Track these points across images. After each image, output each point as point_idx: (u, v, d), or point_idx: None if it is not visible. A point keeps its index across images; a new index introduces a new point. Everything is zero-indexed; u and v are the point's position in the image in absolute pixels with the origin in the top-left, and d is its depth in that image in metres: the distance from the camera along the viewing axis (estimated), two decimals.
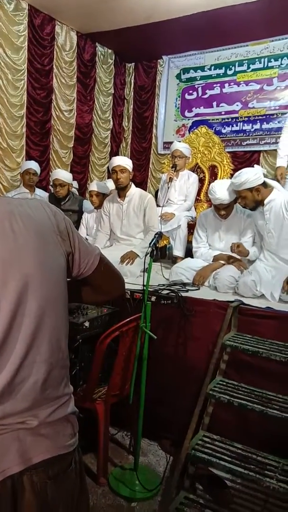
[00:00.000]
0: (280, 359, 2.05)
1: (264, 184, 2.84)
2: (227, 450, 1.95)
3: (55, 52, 5.78)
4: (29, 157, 5.41)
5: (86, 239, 3.96)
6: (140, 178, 6.85)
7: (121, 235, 3.64)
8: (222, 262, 3.06)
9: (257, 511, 1.95)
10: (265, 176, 3.04)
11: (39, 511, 0.89)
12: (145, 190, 6.21)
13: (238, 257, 3.05)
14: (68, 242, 0.98)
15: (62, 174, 4.21)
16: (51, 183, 4.23)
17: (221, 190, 3.00)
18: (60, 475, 0.92)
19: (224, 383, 2.20)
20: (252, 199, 2.87)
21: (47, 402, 0.91)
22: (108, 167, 4.25)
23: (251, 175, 2.80)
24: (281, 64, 5.42)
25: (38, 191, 4.53)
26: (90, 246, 1.07)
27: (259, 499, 1.99)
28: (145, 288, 2.25)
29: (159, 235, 2.48)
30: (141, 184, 6.63)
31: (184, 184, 4.19)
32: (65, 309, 0.97)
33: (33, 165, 4.38)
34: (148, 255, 2.31)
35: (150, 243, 2.33)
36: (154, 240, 2.37)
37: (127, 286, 2.83)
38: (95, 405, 2.19)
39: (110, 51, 6.70)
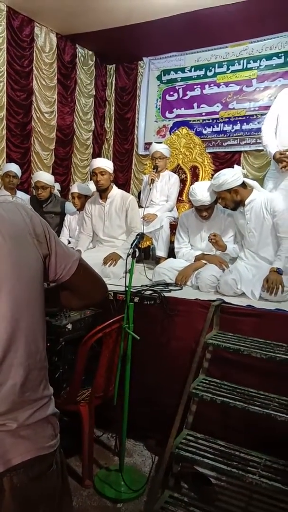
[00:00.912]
0: (261, 356, 2.08)
1: (244, 185, 2.88)
2: (211, 448, 1.97)
3: (34, 53, 5.75)
4: (9, 159, 5.37)
5: (69, 241, 4.00)
6: (123, 179, 6.86)
7: (104, 236, 3.64)
8: (204, 261, 3.09)
9: (241, 507, 1.98)
10: (245, 176, 3.08)
11: None
12: (128, 191, 6.23)
13: (216, 252, 3.09)
14: (46, 245, 0.98)
15: (44, 176, 4.18)
16: (33, 185, 4.20)
17: (201, 191, 3.03)
18: (40, 476, 0.92)
19: (207, 381, 2.22)
20: (231, 200, 2.91)
21: (26, 405, 0.91)
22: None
23: (229, 177, 2.83)
24: (260, 65, 5.50)
25: (20, 194, 4.49)
26: (68, 251, 1.05)
27: (243, 495, 2.02)
28: (127, 289, 2.25)
29: (141, 236, 2.48)
30: (124, 185, 6.65)
31: (166, 185, 4.21)
32: (41, 311, 0.97)
33: (13, 168, 4.34)
34: (130, 256, 2.32)
35: (131, 244, 2.33)
36: (135, 241, 2.38)
37: (110, 287, 2.84)
38: (79, 407, 2.19)
39: (90, 52, 6.70)
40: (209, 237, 3.01)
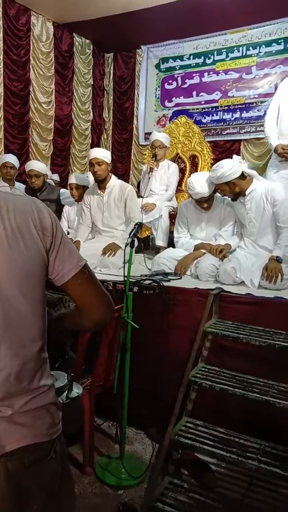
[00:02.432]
0: (260, 344, 2.08)
1: (243, 176, 2.86)
2: (210, 435, 1.99)
3: (31, 43, 5.69)
4: (7, 150, 5.34)
5: (68, 232, 4.00)
6: (122, 169, 6.83)
7: (103, 227, 3.63)
8: (203, 251, 3.08)
9: (241, 493, 1.99)
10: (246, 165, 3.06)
11: (12, 498, 0.89)
12: (127, 181, 6.20)
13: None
14: (50, 239, 0.95)
15: (37, 165, 4.18)
16: (27, 175, 4.19)
17: (199, 184, 3.00)
18: (37, 464, 0.92)
19: (206, 369, 2.23)
20: (230, 192, 2.89)
21: (22, 393, 0.91)
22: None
23: (227, 169, 2.80)
24: (259, 52, 5.43)
25: (18, 185, 4.47)
26: (74, 254, 0.99)
27: (242, 481, 2.04)
28: (126, 278, 2.26)
29: (139, 225, 2.48)
30: (123, 175, 6.61)
31: (165, 174, 4.19)
32: (39, 302, 0.95)
33: (11, 159, 4.32)
34: (128, 245, 2.31)
35: (130, 234, 2.33)
36: (134, 231, 2.37)
37: (109, 277, 2.85)
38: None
39: (88, 41, 6.62)
40: (212, 250, 2.99)
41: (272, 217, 2.85)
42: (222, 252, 2.93)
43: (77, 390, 1.84)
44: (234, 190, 2.87)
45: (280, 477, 1.73)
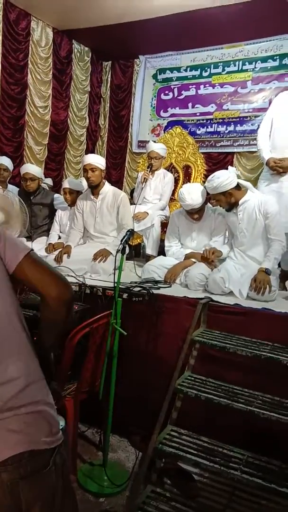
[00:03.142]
0: (246, 354, 2.10)
1: (238, 186, 2.90)
2: (194, 444, 1.99)
3: (30, 47, 5.72)
4: (2, 152, 5.32)
5: (59, 236, 3.99)
6: (116, 176, 6.85)
7: (95, 232, 3.64)
8: (193, 260, 3.11)
9: (223, 503, 1.99)
10: (238, 177, 3.11)
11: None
12: (121, 188, 6.22)
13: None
14: None
15: (32, 168, 4.18)
16: (21, 177, 4.19)
17: (190, 195, 3.02)
18: (34, 474, 0.87)
19: (193, 378, 2.24)
20: (225, 202, 2.93)
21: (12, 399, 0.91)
22: None
23: (224, 179, 2.84)
24: (255, 67, 5.53)
25: (10, 187, 4.46)
26: (18, 242, 1.09)
27: (225, 491, 2.04)
28: (116, 285, 2.26)
29: (131, 232, 2.49)
30: (117, 182, 6.64)
31: (160, 183, 4.22)
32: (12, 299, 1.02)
33: (5, 161, 4.32)
34: (119, 252, 2.32)
35: (121, 240, 2.34)
36: (125, 237, 2.39)
37: (99, 283, 2.84)
38: (64, 401, 2.19)
39: (86, 48, 6.67)
40: (204, 253, 3.02)
41: (264, 229, 2.89)
42: (214, 254, 2.96)
43: (61, 422, 1.64)
44: (230, 200, 2.91)
45: (262, 488, 1.74)
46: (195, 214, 3.14)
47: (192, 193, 3.02)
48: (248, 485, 1.80)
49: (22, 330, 1.01)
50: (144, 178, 4.12)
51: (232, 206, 2.96)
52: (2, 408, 0.88)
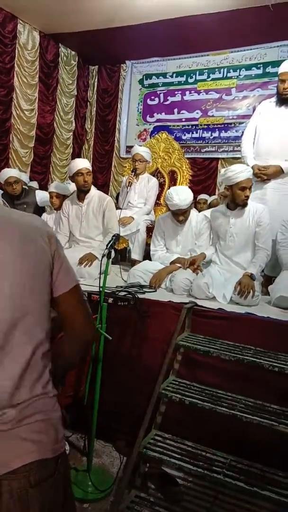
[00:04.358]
0: (229, 358, 2.12)
1: None
2: (178, 448, 2.00)
3: (17, 50, 5.71)
4: None
5: None
6: (102, 180, 6.86)
7: (80, 237, 3.63)
8: (178, 265, 3.13)
9: (206, 507, 2.01)
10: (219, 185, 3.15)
11: None
12: (107, 192, 6.24)
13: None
14: (55, 246, 1.01)
15: (13, 172, 4.21)
16: (4, 184, 4.14)
17: (178, 196, 3.04)
18: (43, 482, 0.87)
19: (177, 383, 2.25)
20: (248, 196, 2.92)
21: (22, 401, 0.89)
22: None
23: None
24: (239, 75, 5.62)
25: None
26: (71, 269, 1.07)
27: (208, 495, 2.05)
28: (101, 289, 2.27)
29: (116, 237, 2.50)
30: (103, 186, 6.65)
31: (144, 187, 4.24)
32: (45, 306, 0.99)
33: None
34: (105, 256, 2.33)
35: (106, 245, 2.35)
36: (111, 242, 2.40)
37: (84, 288, 2.84)
38: None
39: (73, 52, 6.69)
40: (186, 262, 3.05)
41: (252, 236, 2.93)
42: (194, 263, 2.99)
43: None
44: (249, 194, 2.92)
45: (244, 491, 1.76)
46: (181, 215, 3.16)
47: (180, 194, 3.05)
48: (231, 489, 1.83)
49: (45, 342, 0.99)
50: (129, 182, 4.14)
51: (237, 205, 2.95)
52: (15, 417, 0.87)
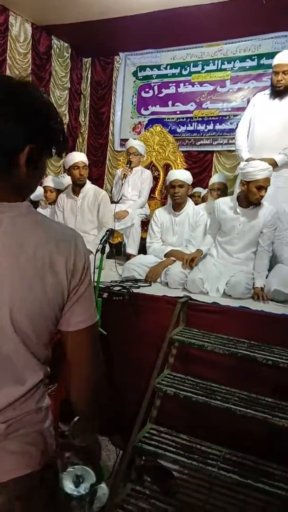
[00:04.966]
0: (223, 352, 2.14)
1: None
2: (173, 442, 2.02)
3: (8, 43, 5.63)
4: None
5: None
6: (97, 174, 6.82)
7: None
8: (173, 258, 3.14)
9: (201, 499, 2.03)
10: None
11: None
12: (102, 186, 6.21)
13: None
14: (77, 282, 0.87)
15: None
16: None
17: (178, 171, 3.31)
18: (30, 494, 0.83)
19: (172, 377, 2.26)
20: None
21: (14, 415, 0.85)
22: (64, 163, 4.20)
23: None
24: (234, 67, 5.57)
25: None
26: (90, 306, 0.93)
27: (203, 488, 2.07)
28: (96, 284, 2.27)
29: (111, 232, 2.51)
30: (98, 180, 6.61)
31: (138, 179, 4.23)
32: (47, 334, 0.88)
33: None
34: (99, 251, 2.33)
35: (101, 240, 2.36)
36: (105, 237, 2.40)
37: None
38: None
39: (66, 44, 6.60)
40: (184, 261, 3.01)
41: (258, 236, 2.87)
42: (193, 261, 2.97)
43: (103, 491, 0.98)
44: (264, 195, 2.81)
45: (238, 483, 1.78)
46: (177, 188, 3.17)
47: (180, 170, 3.37)
48: (225, 481, 1.85)
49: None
50: (124, 174, 4.13)
51: (250, 203, 2.82)
52: (2, 432, 0.83)
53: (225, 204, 2.99)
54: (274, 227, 2.88)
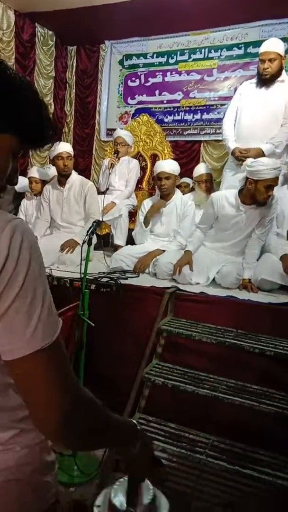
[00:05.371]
0: (211, 341, 2.15)
1: None
2: (162, 430, 2.03)
3: None
4: None
5: None
6: (83, 164, 6.75)
7: (62, 222, 3.59)
8: (162, 249, 3.14)
9: (190, 486, 2.05)
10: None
11: None
12: (89, 177, 6.15)
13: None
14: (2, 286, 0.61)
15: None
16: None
17: (165, 161, 3.31)
18: None
19: (160, 366, 2.27)
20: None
21: None
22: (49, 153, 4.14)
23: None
24: (221, 55, 5.53)
25: None
26: (30, 320, 0.63)
27: (192, 475, 2.09)
28: (83, 276, 2.25)
29: (97, 223, 2.48)
30: (84, 171, 6.54)
31: (125, 169, 4.20)
32: None
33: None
34: (86, 243, 2.31)
35: (87, 231, 2.34)
36: (91, 228, 2.38)
37: (67, 274, 2.82)
38: None
39: (50, 32, 6.48)
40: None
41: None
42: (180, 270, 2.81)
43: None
44: (271, 194, 2.70)
45: (226, 470, 1.80)
46: (164, 180, 3.17)
47: (167, 161, 3.33)
48: (213, 468, 1.87)
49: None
50: (111, 163, 4.10)
51: (255, 201, 2.71)
52: None
53: (225, 199, 2.84)
54: (271, 217, 2.83)
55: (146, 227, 3.29)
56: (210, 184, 3.95)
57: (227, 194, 2.90)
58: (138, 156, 4.58)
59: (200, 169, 4.04)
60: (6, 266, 0.60)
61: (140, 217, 3.39)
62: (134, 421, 0.86)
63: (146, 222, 3.29)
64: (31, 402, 0.65)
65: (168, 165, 3.23)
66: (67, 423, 0.65)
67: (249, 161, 2.88)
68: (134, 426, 0.83)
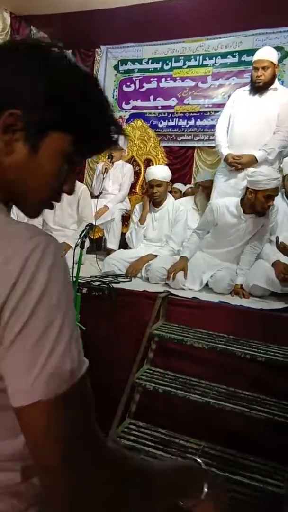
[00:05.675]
0: (202, 346, 2.15)
1: None
2: (152, 436, 2.02)
3: None
4: None
5: None
6: (77, 168, 6.75)
7: (54, 225, 3.58)
8: (154, 254, 3.14)
9: None
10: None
11: None
12: (82, 180, 6.15)
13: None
14: (7, 316, 0.49)
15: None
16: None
17: (157, 169, 3.27)
18: None
19: (151, 371, 2.26)
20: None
21: None
22: None
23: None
24: (215, 63, 5.58)
25: None
26: (36, 360, 0.49)
27: None
28: (75, 279, 2.24)
29: (90, 226, 2.48)
30: (78, 174, 6.53)
31: (119, 173, 4.21)
32: None
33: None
34: (78, 246, 2.31)
35: (80, 235, 2.33)
36: (84, 232, 2.37)
37: None
38: None
39: (46, 36, 6.49)
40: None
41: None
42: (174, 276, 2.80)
43: None
44: (272, 204, 2.67)
45: (216, 476, 1.79)
46: (155, 187, 3.18)
47: (159, 167, 3.29)
48: None
49: None
50: (105, 168, 4.10)
51: (255, 211, 2.70)
52: None
53: (225, 208, 2.81)
54: (268, 225, 2.82)
55: (142, 224, 3.32)
56: (210, 190, 3.99)
57: (227, 202, 2.87)
58: (132, 161, 4.59)
59: (206, 175, 4.08)
60: (13, 292, 0.48)
61: (134, 219, 3.40)
62: (199, 460, 0.71)
63: (141, 220, 3.34)
64: (36, 463, 0.52)
65: (160, 172, 3.22)
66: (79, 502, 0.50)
67: (250, 171, 2.86)
68: (194, 467, 0.70)
